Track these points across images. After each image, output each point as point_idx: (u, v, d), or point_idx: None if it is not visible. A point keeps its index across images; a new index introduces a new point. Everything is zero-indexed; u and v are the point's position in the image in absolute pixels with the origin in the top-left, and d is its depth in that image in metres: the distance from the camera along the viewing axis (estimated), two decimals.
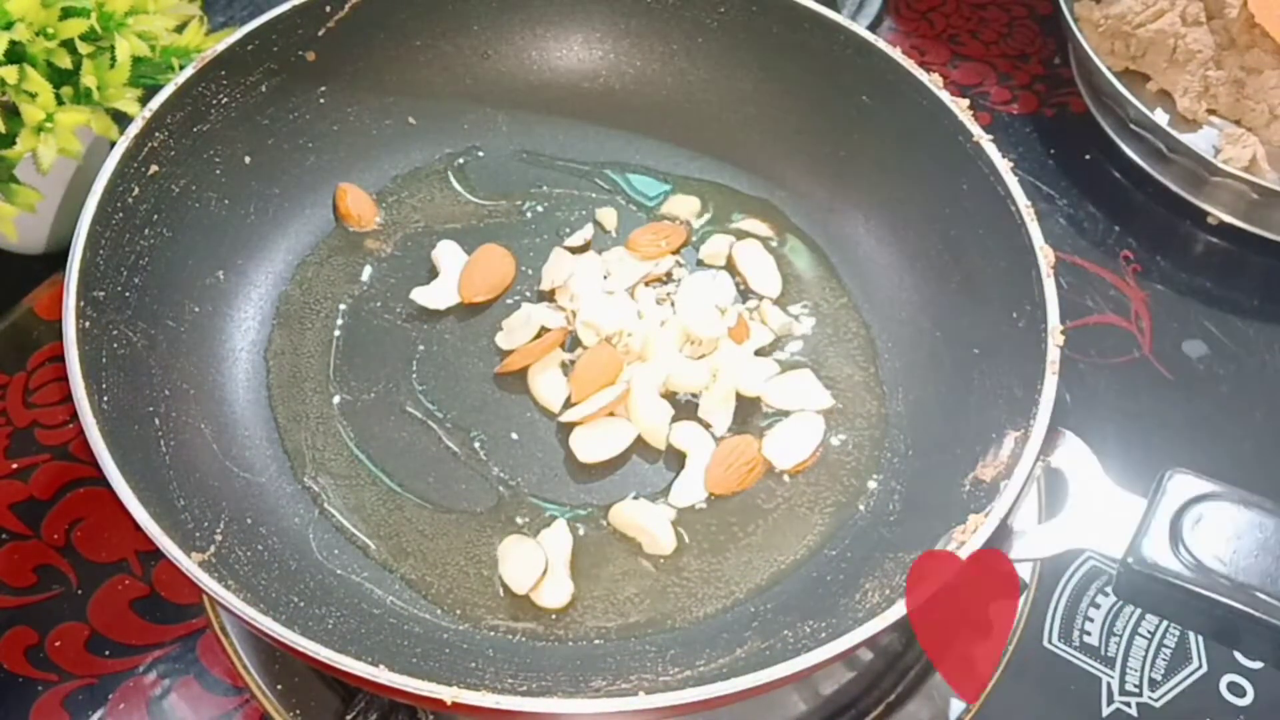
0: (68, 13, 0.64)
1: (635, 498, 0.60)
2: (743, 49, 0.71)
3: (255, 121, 0.66)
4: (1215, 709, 0.63)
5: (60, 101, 0.64)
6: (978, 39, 0.95)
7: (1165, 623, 0.65)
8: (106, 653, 0.63)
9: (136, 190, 0.60)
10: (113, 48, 0.65)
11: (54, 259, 0.75)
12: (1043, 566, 0.65)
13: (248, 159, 0.66)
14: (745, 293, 0.68)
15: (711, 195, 0.71)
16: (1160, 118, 0.83)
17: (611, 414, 0.62)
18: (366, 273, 0.68)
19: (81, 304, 0.55)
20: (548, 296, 0.67)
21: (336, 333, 0.65)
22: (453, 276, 0.67)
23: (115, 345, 0.57)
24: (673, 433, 0.62)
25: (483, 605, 0.57)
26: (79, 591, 0.65)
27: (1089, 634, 0.65)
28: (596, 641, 0.56)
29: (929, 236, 0.65)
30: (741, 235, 0.70)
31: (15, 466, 0.69)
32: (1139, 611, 0.66)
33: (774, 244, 0.69)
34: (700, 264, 0.69)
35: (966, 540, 0.50)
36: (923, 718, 0.60)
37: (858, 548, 0.58)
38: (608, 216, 0.70)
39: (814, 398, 0.63)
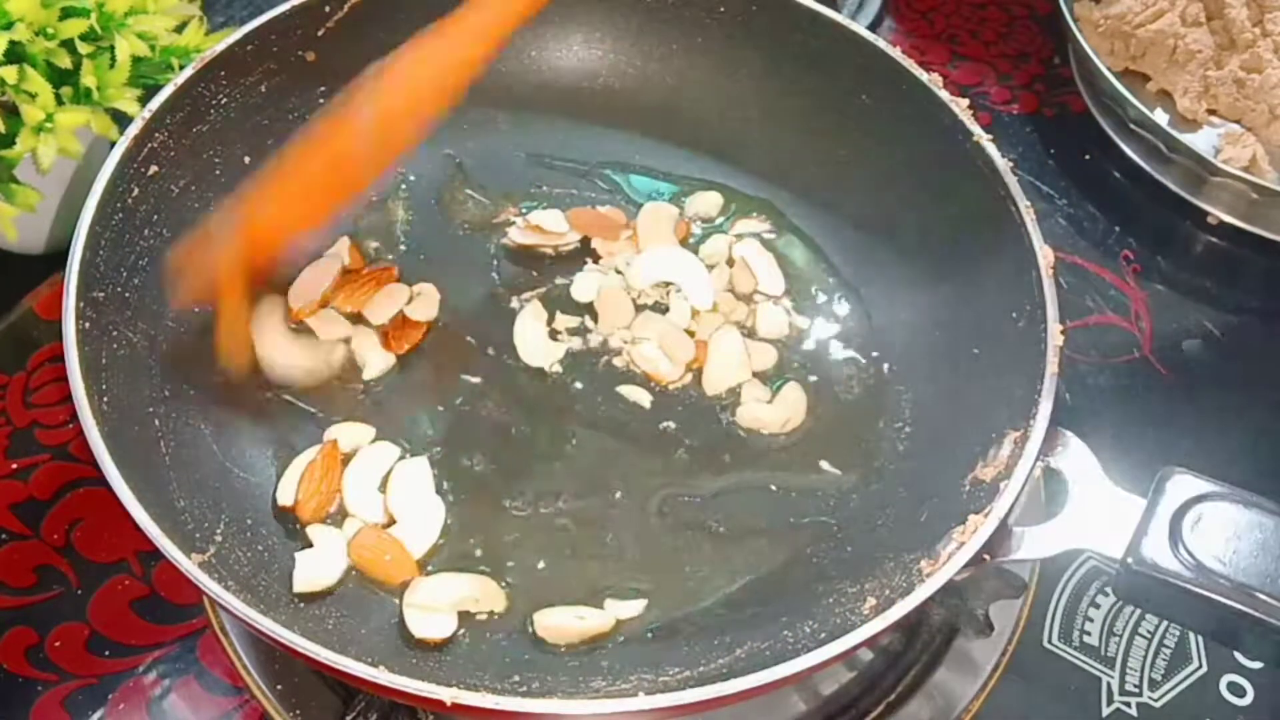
0: (68, 13, 0.64)
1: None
2: (742, 49, 0.71)
3: (255, 121, 0.66)
4: (1215, 709, 0.63)
5: (60, 101, 0.64)
6: (978, 39, 0.95)
7: (1165, 623, 0.65)
8: (106, 653, 0.63)
9: (136, 190, 0.60)
10: (113, 48, 0.65)
11: (54, 259, 0.75)
12: (1043, 566, 0.65)
13: (247, 159, 0.66)
14: (749, 294, 0.68)
15: None
16: (1160, 118, 0.83)
17: None
18: None
19: (81, 304, 0.55)
20: None
21: None
22: None
23: (115, 345, 0.57)
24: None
25: None
26: (79, 591, 0.65)
27: (1089, 634, 0.65)
28: (597, 641, 0.56)
29: (929, 236, 0.65)
30: (740, 236, 0.70)
31: (15, 466, 0.69)
32: (1139, 611, 0.66)
33: (774, 242, 0.69)
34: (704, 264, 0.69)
35: (966, 540, 0.50)
36: (923, 718, 0.60)
37: (858, 548, 0.58)
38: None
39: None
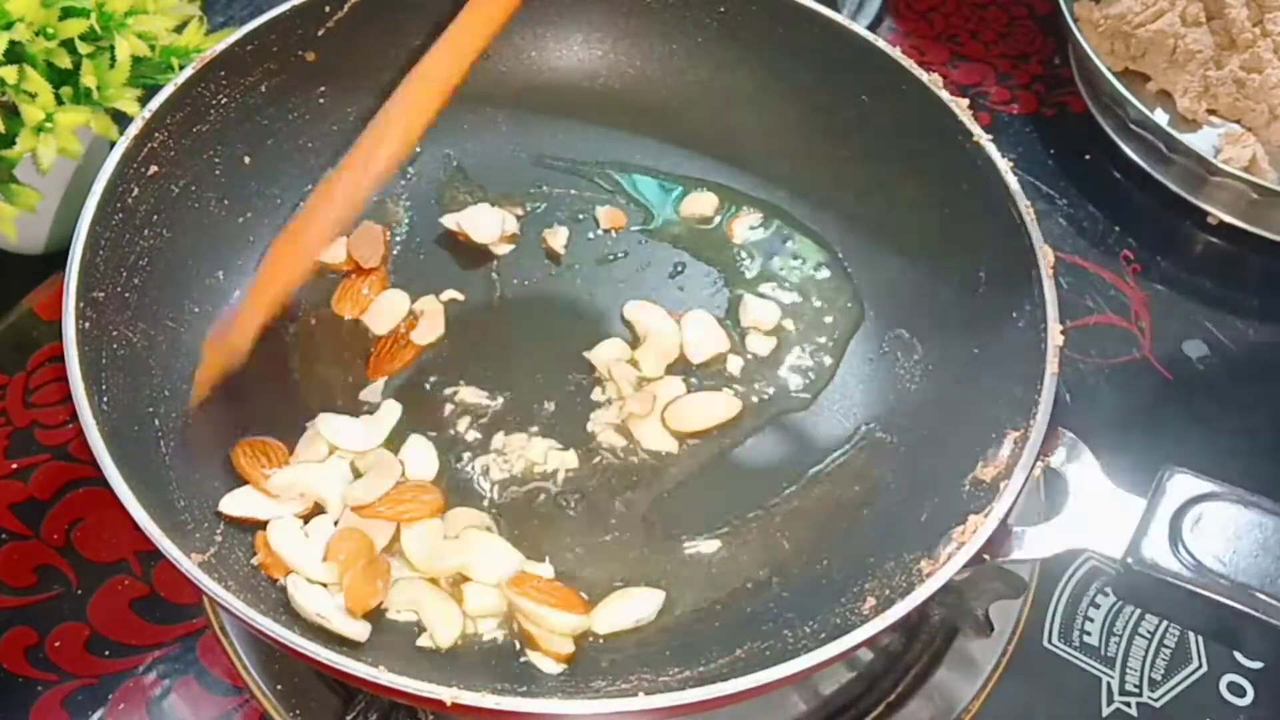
0: (68, 13, 0.64)
1: None
2: (743, 49, 0.71)
3: (255, 121, 0.66)
4: (1215, 709, 0.63)
5: (60, 101, 0.64)
6: (978, 39, 0.95)
7: (1165, 623, 0.65)
8: (106, 653, 0.63)
9: (136, 190, 0.60)
10: (113, 48, 0.65)
11: (54, 259, 0.76)
12: (1043, 566, 0.65)
13: (248, 159, 0.66)
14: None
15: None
16: (1160, 118, 0.83)
17: None
18: None
19: (81, 304, 0.55)
20: None
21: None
22: None
23: (115, 345, 0.57)
24: None
25: None
26: (79, 591, 0.65)
27: (1089, 634, 0.65)
28: (596, 642, 0.56)
29: (929, 237, 0.65)
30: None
31: (15, 466, 0.69)
32: (1139, 611, 0.66)
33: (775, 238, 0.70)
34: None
35: (966, 540, 0.50)
36: (923, 718, 0.60)
37: (858, 548, 0.58)
38: (606, 216, 0.70)
39: None
